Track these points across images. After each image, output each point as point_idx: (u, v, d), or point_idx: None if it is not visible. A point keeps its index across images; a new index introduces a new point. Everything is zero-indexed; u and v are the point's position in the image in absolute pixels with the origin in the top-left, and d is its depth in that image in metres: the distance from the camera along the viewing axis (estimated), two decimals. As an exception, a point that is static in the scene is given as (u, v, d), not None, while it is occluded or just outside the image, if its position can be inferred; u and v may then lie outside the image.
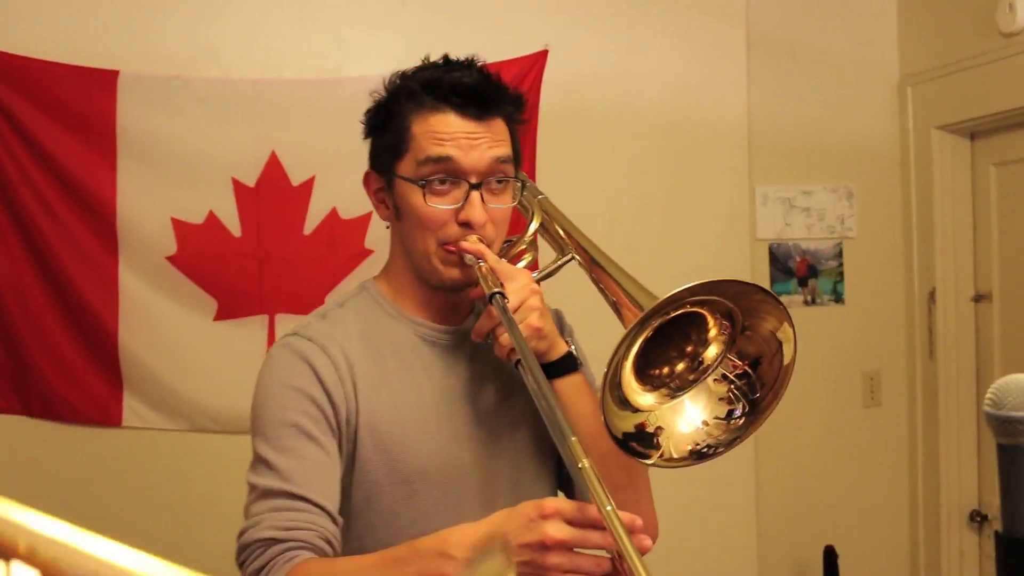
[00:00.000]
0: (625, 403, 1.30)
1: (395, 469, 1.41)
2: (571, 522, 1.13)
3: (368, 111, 1.54)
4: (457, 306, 1.55)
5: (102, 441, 3.01)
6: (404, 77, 1.50)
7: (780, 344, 1.29)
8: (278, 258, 3.11)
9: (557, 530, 1.12)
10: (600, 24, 3.38)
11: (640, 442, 1.30)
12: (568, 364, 1.43)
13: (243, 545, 1.35)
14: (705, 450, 1.30)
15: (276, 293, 3.11)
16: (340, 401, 1.42)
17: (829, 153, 3.86)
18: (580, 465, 1.13)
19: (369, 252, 3.12)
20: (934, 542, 3.83)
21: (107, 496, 3.00)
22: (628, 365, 1.29)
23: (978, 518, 3.72)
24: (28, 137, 2.94)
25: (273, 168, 3.10)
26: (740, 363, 1.32)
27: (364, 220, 3.11)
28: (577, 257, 1.54)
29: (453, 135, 1.44)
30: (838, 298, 3.73)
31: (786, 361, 1.28)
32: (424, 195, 1.42)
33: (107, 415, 3.02)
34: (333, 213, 3.13)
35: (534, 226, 1.60)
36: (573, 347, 1.46)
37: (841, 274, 3.75)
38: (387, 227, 1.57)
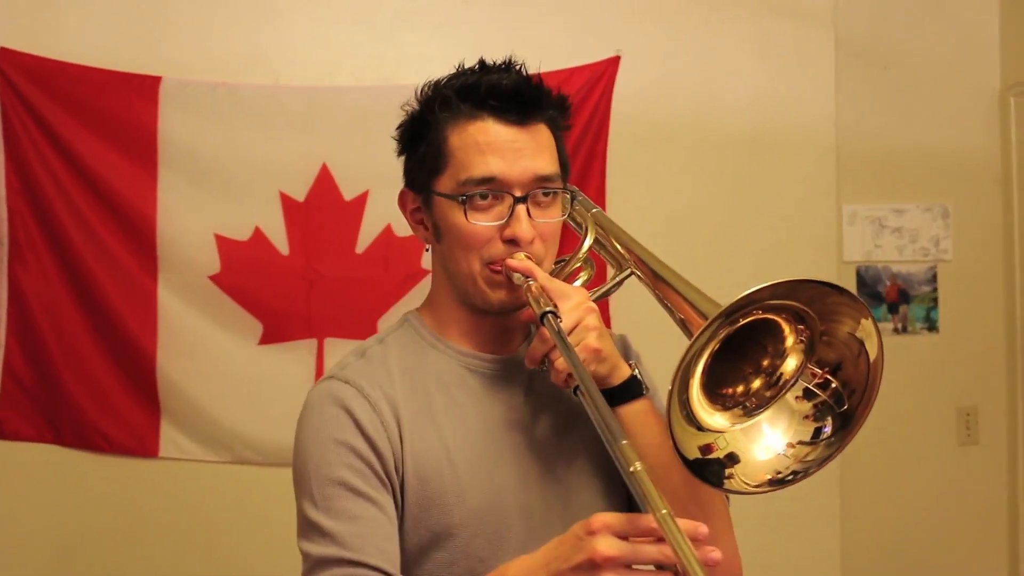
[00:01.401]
0: (693, 421, 1.25)
1: (448, 514, 1.36)
2: (622, 535, 1.10)
3: (400, 125, 1.49)
4: (507, 332, 1.50)
5: (137, 472, 2.99)
6: (437, 85, 1.45)
7: (862, 343, 1.23)
8: (328, 278, 3.06)
9: (607, 546, 1.09)
10: (675, 29, 3.33)
11: (712, 468, 1.26)
12: (633, 389, 1.36)
13: None
14: (789, 477, 1.25)
15: (326, 316, 3.05)
16: (385, 450, 1.37)
17: (923, 168, 3.76)
18: (632, 469, 1.11)
19: (426, 272, 2.94)
20: None
21: (142, 531, 2.97)
22: (696, 382, 1.24)
23: None
24: (64, 147, 2.93)
25: (324, 182, 3.05)
26: (821, 371, 1.28)
27: None
28: (638, 272, 1.48)
29: (494, 144, 1.39)
30: (932, 326, 3.61)
31: (872, 358, 1.23)
32: (465, 212, 1.38)
33: (143, 445, 2.98)
34: (388, 230, 3.07)
35: (588, 242, 1.54)
36: (638, 371, 1.39)
37: (935, 300, 3.65)
38: (427, 250, 1.52)
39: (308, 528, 1.33)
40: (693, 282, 1.37)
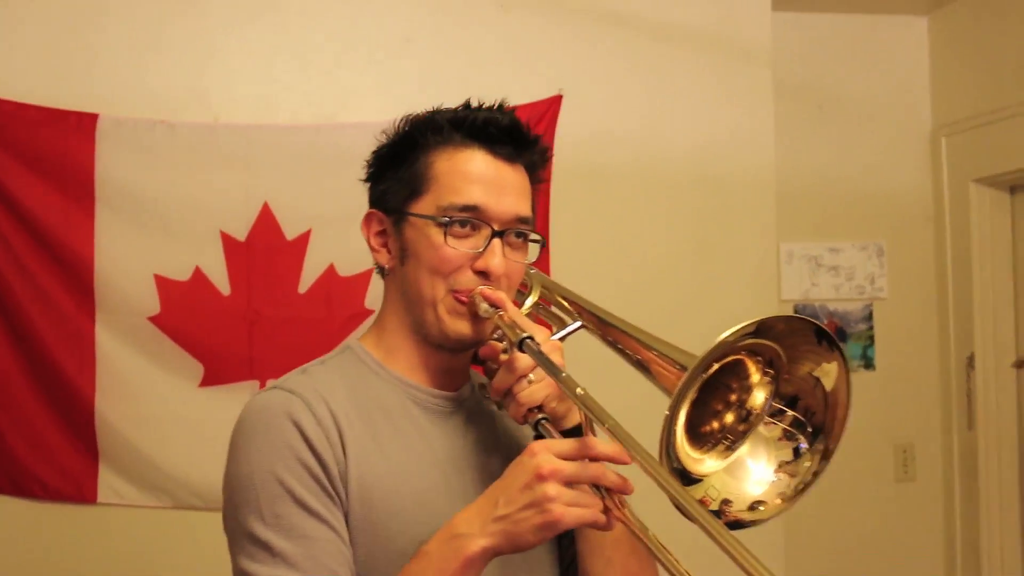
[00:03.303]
0: (683, 475, 1.30)
1: (391, 540, 1.33)
2: (562, 457, 1.19)
3: (380, 147, 1.50)
4: (453, 372, 1.50)
5: (75, 519, 2.95)
6: (427, 115, 1.47)
7: (818, 379, 1.31)
8: (270, 319, 3.07)
9: (549, 461, 1.18)
10: (618, 69, 3.38)
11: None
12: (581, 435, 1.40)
13: None
14: (800, 488, 1.32)
15: (268, 357, 3.05)
16: (332, 464, 1.34)
17: (858, 208, 3.88)
18: (578, 391, 1.22)
19: (369, 312, 3.05)
20: None
21: None
22: (680, 429, 1.28)
23: None
24: (-3, 185, 2.90)
25: (265, 221, 3.06)
26: (780, 404, 1.35)
27: (364, 278, 3.07)
28: (588, 325, 1.52)
29: (481, 175, 1.41)
30: (868, 364, 3.73)
31: (828, 388, 1.30)
32: (445, 234, 1.39)
33: (81, 491, 2.95)
34: (330, 270, 3.09)
35: (531, 300, 1.58)
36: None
37: (871, 338, 3.79)
38: (382, 275, 1.52)
39: (254, 547, 1.29)
40: (647, 329, 1.40)
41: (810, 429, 1.31)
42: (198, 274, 3.03)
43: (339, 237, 3.04)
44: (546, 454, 1.20)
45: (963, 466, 3.88)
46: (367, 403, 1.43)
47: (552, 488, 1.18)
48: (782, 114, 3.56)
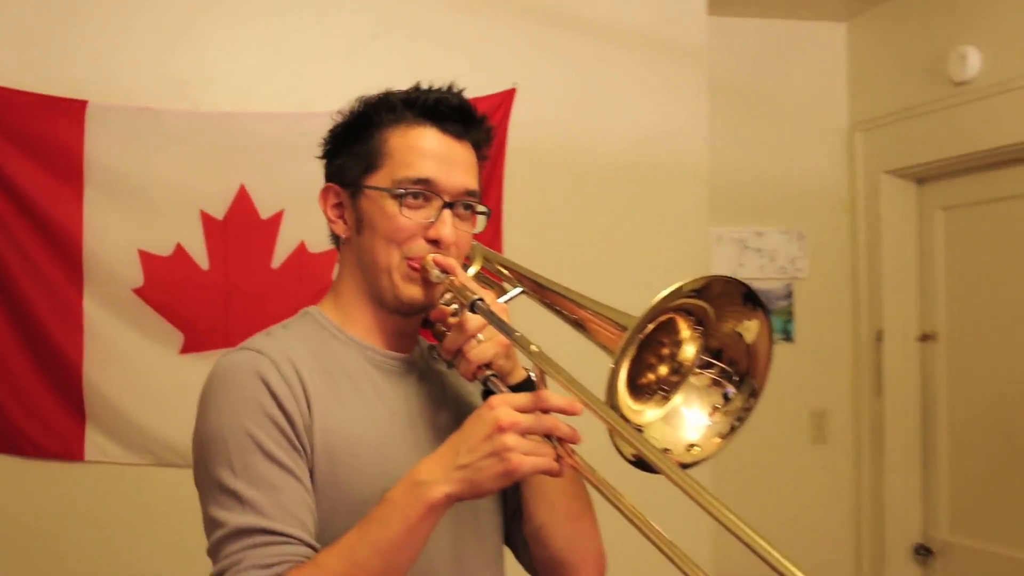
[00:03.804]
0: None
1: (354, 491, 1.38)
2: (519, 409, 1.22)
3: (336, 125, 1.54)
4: (406, 334, 1.54)
5: (64, 476, 3.00)
6: (380, 95, 1.51)
7: (740, 335, 1.36)
8: (246, 291, 3.13)
9: (507, 414, 1.21)
10: (566, 65, 3.46)
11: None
12: (527, 389, 1.42)
13: None
14: (735, 426, 1.37)
15: (243, 326, 2.91)
16: (298, 419, 1.38)
17: (781, 196, 4.02)
18: (532, 348, 1.26)
19: None
20: (879, 575, 3.99)
21: (69, 532, 3.00)
22: (622, 384, 1.32)
23: (923, 552, 3.87)
24: (-8, 166, 2.94)
25: (242, 201, 3.13)
26: (708, 357, 1.39)
27: (332, 254, 3.02)
28: (527, 290, 1.57)
29: (433, 151, 1.45)
30: (788, 337, 3.87)
31: (749, 341, 1.35)
32: (400, 206, 1.43)
33: (69, 449, 3.01)
34: (301, 247, 3.15)
35: (474, 269, 1.62)
36: (531, 374, 1.46)
37: (791, 313, 3.91)
38: (336, 246, 1.57)
39: (224, 495, 1.31)
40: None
41: (736, 377, 1.39)
42: (179, 250, 3.09)
43: (310, 217, 2.85)
44: (505, 407, 1.23)
45: (871, 429, 4.03)
46: (328, 363, 1.45)
47: (511, 439, 1.21)
48: (715, 110, 3.67)
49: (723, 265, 3.84)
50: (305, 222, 3.10)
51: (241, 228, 3.13)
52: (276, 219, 3.15)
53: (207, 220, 3.11)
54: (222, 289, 3.13)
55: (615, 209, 3.49)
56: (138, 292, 3.06)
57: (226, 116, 3.13)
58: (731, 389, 1.39)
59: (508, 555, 1.61)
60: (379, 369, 1.50)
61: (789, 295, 3.94)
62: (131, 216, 3.05)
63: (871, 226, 4.04)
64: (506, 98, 3.26)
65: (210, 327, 3.11)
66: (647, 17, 3.57)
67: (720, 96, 3.74)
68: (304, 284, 3.14)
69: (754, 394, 1.38)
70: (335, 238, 1.55)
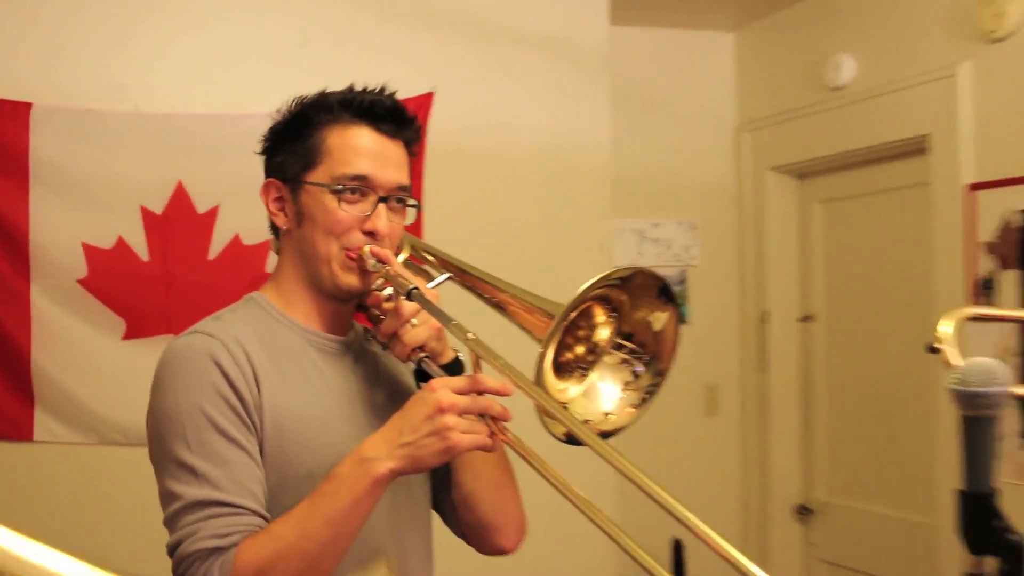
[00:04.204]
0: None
1: (300, 464, 1.40)
2: (457, 391, 1.28)
3: (276, 124, 1.56)
4: (343, 318, 1.57)
5: (14, 455, 3.04)
6: (319, 95, 1.53)
7: (650, 323, 1.45)
8: (184, 281, 3.17)
9: (447, 396, 1.27)
10: (481, 72, 3.52)
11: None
12: (457, 368, 1.48)
13: (182, 557, 1.33)
14: (644, 398, 1.46)
15: (181, 314, 3.08)
16: (247, 396, 1.41)
17: (676, 191, 4.16)
18: (469, 335, 1.32)
19: (269, 276, 3.08)
20: (763, 533, 4.15)
21: (18, 509, 3.00)
22: (548, 367, 1.38)
23: (803, 511, 4.07)
24: (-60, 163, 2.94)
25: (180, 197, 3.18)
26: (620, 339, 1.46)
27: (265, 246, 3.07)
28: (453, 276, 1.61)
29: (368, 149, 1.48)
30: (682, 319, 3.93)
31: (657, 329, 1.44)
32: (339, 201, 1.46)
33: (19, 430, 3.05)
34: (236, 239, 3.21)
35: (403, 256, 1.64)
36: (459, 354, 1.50)
37: (685, 297, 4.05)
38: (276, 248, 1.60)
39: (180, 470, 1.33)
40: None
41: (645, 357, 1.46)
42: (121, 243, 3.12)
43: (244, 211, 3.09)
44: (444, 390, 1.28)
45: (757, 402, 4.18)
46: (273, 346, 1.48)
47: (450, 419, 1.26)
48: (617, 111, 3.73)
49: (624, 253, 3.95)
50: (239, 216, 3.17)
51: (179, 222, 3.16)
52: (212, 213, 3.19)
53: (147, 215, 3.15)
54: (161, 279, 3.16)
55: (526, 203, 3.56)
56: (82, 282, 3.09)
57: (164, 117, 3.16)
58: (640, 367, 1.46)
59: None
60: (319, 350, 1.53)
61: (683, 280, 4.07)
62: (75, 211, 3.08)
63: (757, 217, 4.17)
64: (425, 101, 3.30)
65: (151, 315, 3.14)
66: (555, 26, 3.64)
67: (621, 99, 3.80)
68: (239, 274, 3.19)
69: (660, 373, 1.45)
70: (275, 229, 1.58)
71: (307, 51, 3.33)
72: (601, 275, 1.36)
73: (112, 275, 3.14)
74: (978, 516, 1.05)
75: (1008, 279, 3.09)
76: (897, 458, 3.72)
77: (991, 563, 1.06)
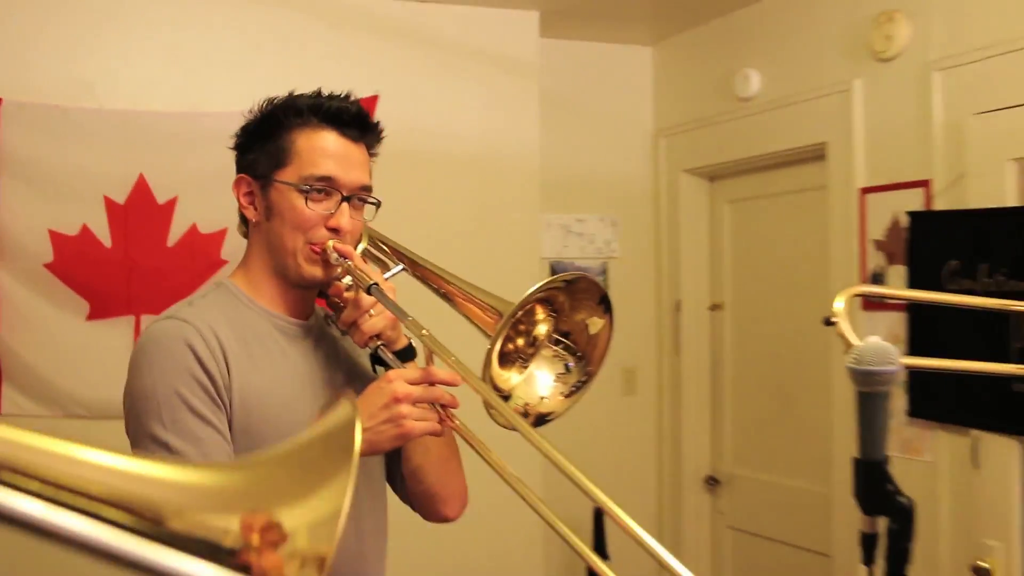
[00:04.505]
0: (497, 391, 1.47)
1: (265, 439, 1.42)
2: (411, 382, 1.34)
3: (248, 123, 1.59)
4: (306, 304, 1.62)
5: None
6: (289, 98, 1.57)
7: (587, 326, 1.53)
8: (144, 266, 3.26)
9: (402, 387, 1.33)
10: (422, 78, 3.62)
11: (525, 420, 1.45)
12: (410, 353, 1.53)
13: None
14: (573, 390, 1.54)
15: (142, 297, 3.26)
16: (217, 376, 1.44)
17: (600, 189, 4.25)
18: (423, 332, 1.37)
19: (224, 262, 3.31)
20: (677, 502, 4.27)
21: None
22: (495, 358, 1.46)
23: (711, 481, 4.21)
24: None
25: (141, 188, 3.26)
26: (557, 335, 1.53)
27: (220, 235, 3.30)
28: (406, 267, 1.67)
29: (334, 152, 1.52)
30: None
31: (593, 332, 1.52)
32: (306, 199, 1.50)
33: None
34: (193, 228, 3.30)
35: (362, 246, 1.69)
36: (412, 341, 1.54)
37: (607, 287, 4.00)
38: (243, 232, 1.63)
39: (155, 445, 1.36)
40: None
41: (578, 354, 1.53)
42: (85, 230, 3.20)
43: (201, 202, 3.22)
44: (400, 381, 1.33)
45: (671, 383, 4.28)
46: (242, 329, 1.52)
47: (405, 408, 1.32)
48: (545, 116, 3.87)
49: (551, 246, 4.06)
50: (196, 206, 3.26)
51: (140, 211, 3.24)
52: (171, 204, 3.28)
53: (110, 204, 3.22)
54: (123, 264, 3.23)
55: (462, 199, 3.68)
56: (48, 267, 3.16)
57: (127, 114, 3.24)
58: (571, 363, 1.53)
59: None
60: (283, 334, 1.58)
61: (604, 272, 4.16)
62: (42, 200, 3.15)
63: (671, 215, 4.26)
64: (370, 104, 3.27)
65: (113, 297, 3.22)
66: (490, 37, 3.76)
67: (550, 105, 3.93)
68: (195, 260, 3.30)
69: (588, 375, 1.52)
70: (244, 220, 1.62)
71: (260, 55, 3.43)
72: (548, 279, 1.46)
73: (77, 260, 3.20)
74: (872, 481, 1.08)
75: (895, 273, 3.20)
76: (797, 433, 3.81)
77: (882, 523, 1.08)
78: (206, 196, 3.18)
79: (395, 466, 1.68)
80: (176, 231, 3.31)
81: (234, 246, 2.80)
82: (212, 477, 0.69)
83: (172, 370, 1.42)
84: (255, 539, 0.61)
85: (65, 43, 3.25)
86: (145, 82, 3.32)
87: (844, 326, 1.26)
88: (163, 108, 3.30)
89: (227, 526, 0.62)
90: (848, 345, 1.21)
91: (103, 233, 3.25)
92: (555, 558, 3.89)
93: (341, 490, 0.63)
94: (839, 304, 1.29)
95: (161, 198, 3.30)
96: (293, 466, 0.70)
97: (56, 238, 3.20)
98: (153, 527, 0.58)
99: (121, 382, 1.47)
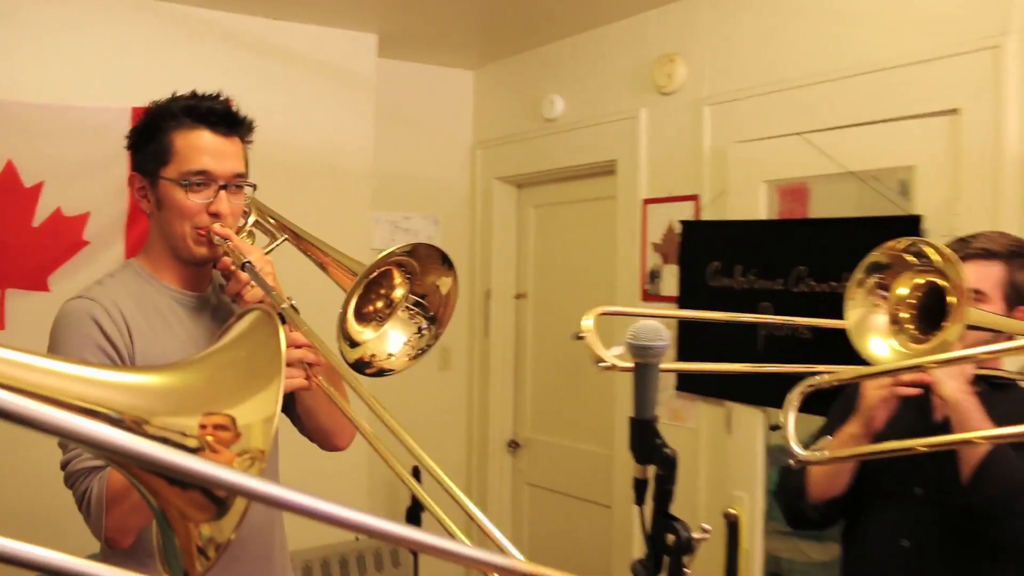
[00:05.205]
0: (351, 341, 1.57)
1: None
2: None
3: (135, 128, 1.67)
4: (201, 278, 1.72)
5: None
6: (167, 102, 1.65)
7: (438, 286, 1.61)
8: (11, 244, 3.34)
9: None
10: (272, 86, 3.79)
11: (366, 367, 1.58)
12: (281, 320, 1.47)
13: (71, 472, 1.48)
14: (420, 352, 1.63)
15: (8, 272, 3.36)
16: (122, 348, 1.54)
17: (425, 191, 4.47)
18: (284, 305, 1.43)
19: (86, 243, 3.42)
20: (483, 462, 4.54)
21: None
22: (351, 314, 1.53)
23: (513, 445, 4.49)
24: None
25: (9, 173, 3.34)
26: (415, 297, 1.61)
27: (83, 218, 3.40)
28: (290, 239, 1.78)
29: (208, 148, 1.60)
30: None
31: (444, 292, 1.60)
32: (187, 192, 1.58)
33: None
34: (58, 211, 3.38)
35: (252, 219, 1.83)
36: (293, 301, 1.54)
37: None
38: (147, 217, 1.67)
39: None
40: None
41: (431, 315, 1.60)
42: None
43: (65, 187, 3.33)
44: None
45: (480, 361, 4.54)
46: (145, 304, 1.62)
47: None
48: (379, 125, 4.04)
49: (381, 239, 4.22)
50: (61, 192, 3.36)
51: (7, 194, 3.31)
52: (37, 188, 3.35)
53: None
54: None
55: (306, 196, 3.67)
56: None
57: None
58: (424, 325, 1.62)
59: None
60: (182, 305, 1.68)
61: None
62: None
63: (485, 216, 4.50)
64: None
65: None
66: (334, 54, 3.94)
67: (384, 116, 4.11)
68: (59, 239, 3.39)
69: (436, 336, 1.61)
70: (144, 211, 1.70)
71: (127, 57, 3.56)
72: (392, 248, 1.55)
73: (-53, 238, 3.25)
74: (644, 435, 1.16)
75: (669, 271, 3.45)
76: (585, 404, 4.06)
77: (652, 470, 1.17)
78: (70, 181, 3.30)
79: (292, 408, 1.79)
80: (42, 213, 3.37)
81: (95, 229, 3.19)
82: (169, 381, 0.69)
83: (79, 341, 1.52)
84: (211, 438, 0.62)
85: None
86: (16, 74, 3.38)
87: (593, 340, 1.32)
88: (33, 100, 3.35)
89: (188, 427, 0.62)
90: (597, 359, 1.31)
91: (-27, 214, 3.27)
92: (377, 477, 4.10)
93: (276, 391, 0.68)
94: (587, 322, 1.34)
95: (28, 182, 3.35)
96: (240, 369, 0.73)
97: (-70, 218, 3.23)
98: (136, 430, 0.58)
99: None
